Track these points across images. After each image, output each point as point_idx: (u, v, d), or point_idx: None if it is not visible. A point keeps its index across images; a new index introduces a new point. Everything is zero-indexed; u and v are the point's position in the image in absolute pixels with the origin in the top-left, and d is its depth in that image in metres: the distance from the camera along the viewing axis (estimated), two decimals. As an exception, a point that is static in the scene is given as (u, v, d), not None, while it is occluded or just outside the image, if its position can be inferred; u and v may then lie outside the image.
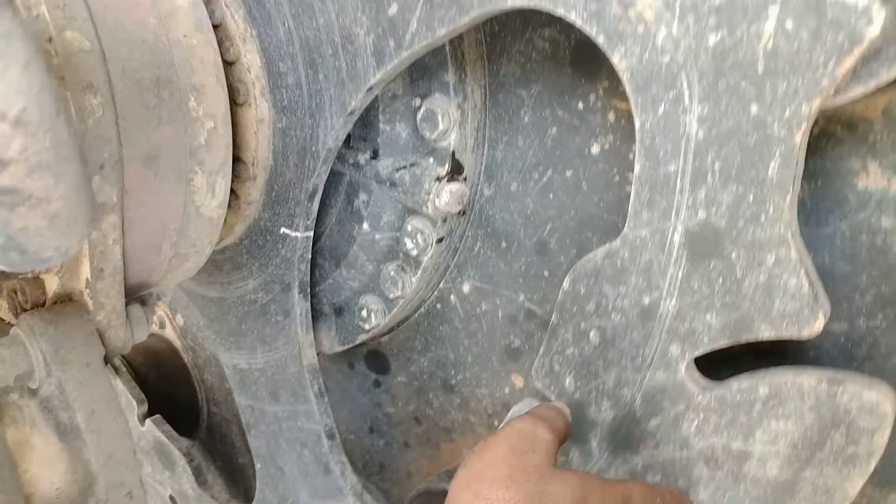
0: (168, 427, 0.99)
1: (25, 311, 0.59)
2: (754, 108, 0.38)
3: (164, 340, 1.16)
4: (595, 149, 0.59)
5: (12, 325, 0.57)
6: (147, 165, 0.54)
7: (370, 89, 0.57)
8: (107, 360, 0.58)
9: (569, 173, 0.61)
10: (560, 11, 0.44)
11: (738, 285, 0.41)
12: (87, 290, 0.56)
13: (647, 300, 0.45)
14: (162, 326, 1.16)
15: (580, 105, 0.59)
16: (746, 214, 0.40)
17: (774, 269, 0.39)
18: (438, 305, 0.72)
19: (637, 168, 0.43)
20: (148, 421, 0.98)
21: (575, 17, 0.43)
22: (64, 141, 0.32)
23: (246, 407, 0.80)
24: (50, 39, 0.48)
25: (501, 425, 0.46)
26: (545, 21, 0.58)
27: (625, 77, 0.42)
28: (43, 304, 0.60)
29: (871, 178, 0.48)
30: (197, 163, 0.58)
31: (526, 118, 0.63)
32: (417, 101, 0.63)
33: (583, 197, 0.60)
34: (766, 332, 0.40)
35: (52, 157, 0.32)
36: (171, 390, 1.11)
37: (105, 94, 0.49)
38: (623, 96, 0.57)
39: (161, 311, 1.15)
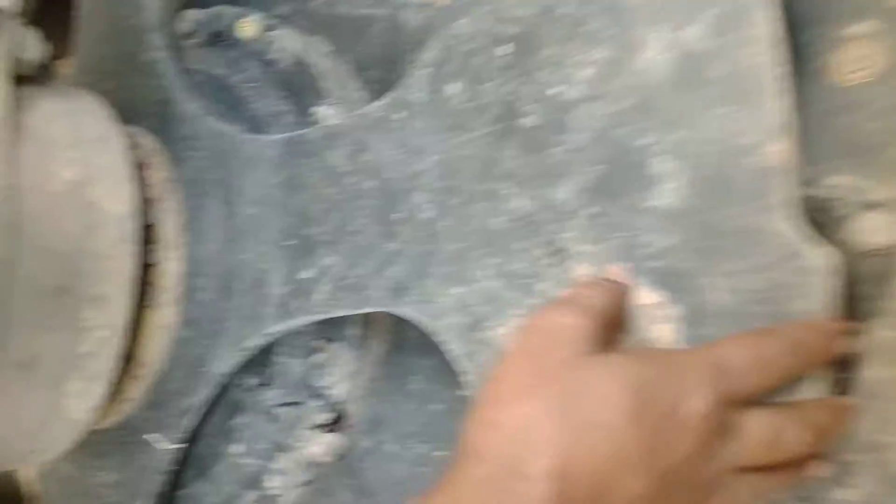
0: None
1: None
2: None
3: (12, 482, 1.07)
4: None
5: None
6: (22, 370, 0.54)
7: (266, 335, 0.59)
8: None
9: (439, 453, 0.62)
10: (439, 340, 0.47)
11: None
12: None
13: None
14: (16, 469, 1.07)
15: (460, 393, 0.61)
16: None
17: None
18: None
19: None
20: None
21: (452, 351, 0.46)
22: None
23: None
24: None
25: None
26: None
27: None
28: None
29: None
30: (76, 369, 0.57)
31: (417, 386, 0.65)
32: (319, 344, 0.65)
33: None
34: None
35: None
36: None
37: (2, 300, 0.50)
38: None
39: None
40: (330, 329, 0.64)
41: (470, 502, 0.29)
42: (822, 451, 0.31)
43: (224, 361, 0.61)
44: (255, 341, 0.59)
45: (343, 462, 0.67)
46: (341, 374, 0.63)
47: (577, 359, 0.30)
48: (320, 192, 0.55)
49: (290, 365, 0.66)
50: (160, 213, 0.65)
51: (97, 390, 0.61)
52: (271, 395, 0.66)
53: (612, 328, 0.34)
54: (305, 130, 0.56)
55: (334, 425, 0.64)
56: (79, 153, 0.58)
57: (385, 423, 0.66)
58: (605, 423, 0.28)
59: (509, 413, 0.30)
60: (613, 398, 0.28)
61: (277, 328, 0.57)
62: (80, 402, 0.60)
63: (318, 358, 0.64)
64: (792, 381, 0.31)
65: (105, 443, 0.70)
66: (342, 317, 0.64)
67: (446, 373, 0.63)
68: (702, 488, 0.29)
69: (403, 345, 0.65)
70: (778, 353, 0.29)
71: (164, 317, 0.65)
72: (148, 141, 0.69)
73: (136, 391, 0.66)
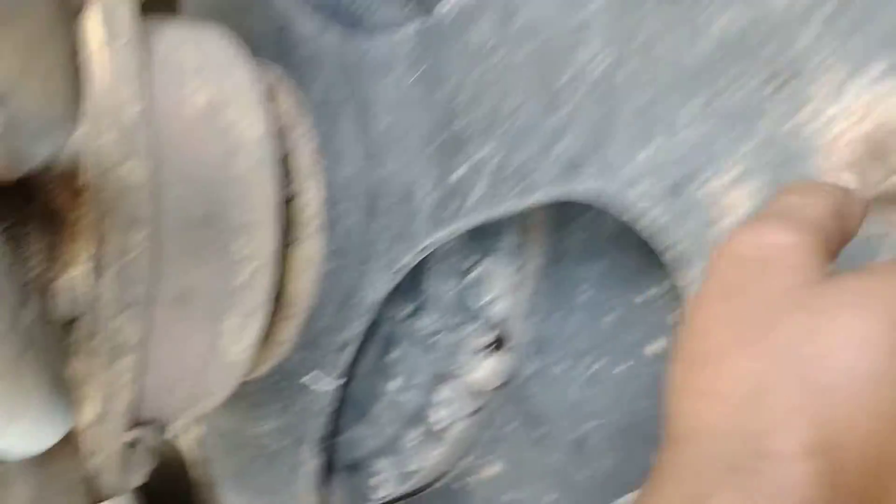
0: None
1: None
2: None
3: (175, 450, 1.10)
4: (652, 349, 0.53)
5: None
6: (178, 305, 0.51)
7: (422, 250, 0.54)
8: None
9: (620, 369, 0.55)
10: (627, 216, 0.40)
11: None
12: (85, 431, 0.52)
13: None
14: (176, 436, 1.10)
15: (639, 298, 0.54)
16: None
17: None
18: (457, 484, 0.65)
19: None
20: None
21: (644, 225, 0.39)
22: None
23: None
24: (106, 169, 0.47)
25: None
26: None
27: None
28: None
29: None
30: (232, 304, 0.55)
31: (584, 297, 0.58)
32: (470, 262, 0.60)
33: (633, 398, 0.54)
34: None
35: None
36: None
37: (149, 230, 0.48)
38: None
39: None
40: (482, 242, 0.59)
41: (705, 497, 0.21)
42: None
43: (376, 288, 0.57)
44: (408, 260, 0.55)
45: (509, 388, 0.62)
46: (499, 291, 0.58)
47: (805, 290, 0.22)
48: (465, 79, 0.49)
49: (442, 287, 0.61)
50: (293, 142, 0.62)
51: (253, 326, 0.58)
52: (425, 323, 0.62)
53: (839, 244, 0.25)
54: (439, 12, 0.51)
55: (497, 347, 0.59)
56: (208, 78, 0.56)
57: (552, 342, 0.60)
58: (866, 373, 0.20)
59: (729, 375, 0.22)
60: (869, 337, 0.20)
61: (432, 241, 0.52)
62: (238, 342, 0.57)
63: (473, 275, 0.59)
64: None
65: (262, 391, 0.68)
66: (495, 227, 0.59)
67: (619, 277, 0.57)
68: None
69: (566, 251, 0.59)
70: None
71: (310, 250, 0.62)
72: (271, 70, 0.66)
73: (289, 332, 0.64)
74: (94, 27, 0.51)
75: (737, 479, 0.20)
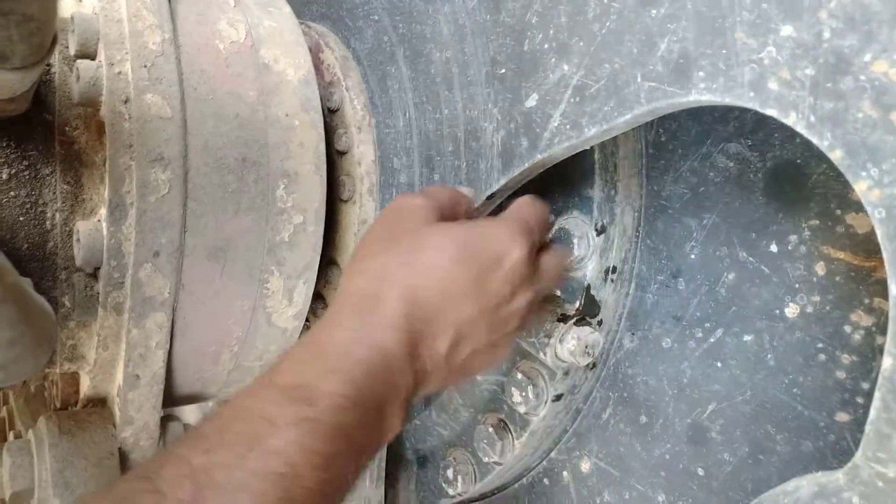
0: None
1: (55, 407, 0.51)
2: None
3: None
4: (791, 310, 0.42)
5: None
6: (213, 259, 0.45)
7: (491, 196, 0.45)
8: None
9: (748, 338, 0.44)
10: (772, 112, 0.29)
11: None
12: (118, 399, 0.46)
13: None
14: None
15: (773, 247, 0.43)
16: None
17: None
18: (546, 481, 0.56)
19: (888, 364, 0.26)
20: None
21: (796, 121, 0.29)
22: None
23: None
24: (126, 101, 0.41)
25: None
26: (732, 133, 0.44)
27: (876, 214, 0.27)
28: (76, 403, 0.51)
29: None
30: (275, 262, 0.48)
31: (693, 256, 0.47)
32: (550, 218, 0.50)
33: (767, 374, 0.43)
34: None
35: None
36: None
37: (177, 169, 0.42)
38: (842, 241, 0.41)
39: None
40: (564, 196, 0.50)
41: (346, 323, 0.38)
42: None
43: (440, 247, 0.49)
44: (476, 207, 0.46)
45: (604, 368, 0.52)
46: (585, 250, 0.48)
47: (421, 226, 0.41)
48: (539, -16, 0.40)
49: (519, 248, 0.52)
50: (342, 96, 0.55)
51: (301, 290, 0.51)
52: (501, 290, 0.53)
53: (452, 215, 0.43)
54: None
55: (584, 318, 0.49)
56: (242, 14, 0.49)
57: (653, 313, 0.49)
58: (438, 266, 0.39)
59: (370, 263, 0.40)
60: (444, 250, 0.39)
61: (504, 183, 0.44)
62: (285, 306, 0.51)
63: (554, 233, 0.49)
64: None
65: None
66: (579, 177, 0.49)
67: (738, 227, 0.45)
68: (514, 316, 0.41)
69: (664, 207, 0.48)
70: (545, 212, 0.43)
71: (365, 210, 0.54)
72: (318, 25, 0.59)
73: (345, 303, 0.57)
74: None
75: (364, 314, 0.38)
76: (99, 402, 0.49)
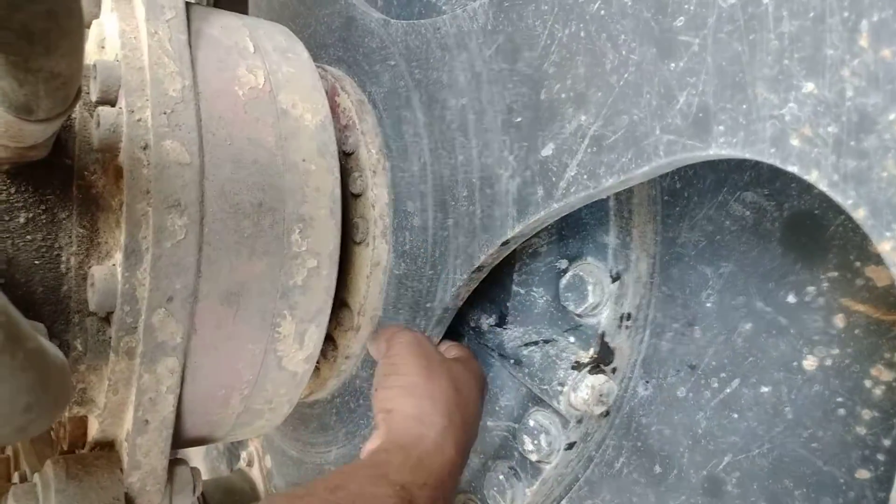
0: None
1: (62, 450, 0.50)
2: None
3: (247, 480, 1.05)
4: (810, 362, 0.41)
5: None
6: (226, 303, 0.45)
7: (506, 243, 0.45)
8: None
9: (766, 389, 0.43)
10: (794, 168, 0.29)
11: None
12: (126, 444, 0.46)
13: None
14: (250, 464, 1.05)
15: (791, 298, 0.43)
16: None
17: None
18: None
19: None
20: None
21: (818, 179, 0.29)
22: None
23: None
24: (145, 147, 0.41)
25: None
26: (749, 182, 0.44)
27: (901, 274, 0.26)
28: (83, 446, 0.50)
29: None
30: (288, 306, 0.48)
31: (708, 304, 0.47)
32: (564, 264, 0.50)
33: (785, 428, 0.42)
34: None
35: None
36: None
37: (193, 215, 0.42)
38: (861, 294, 0.40)
39: (252, 446, 1.05)
40: (579, 242, 0.49)
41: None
42: None
43: (452, 290, 0.49)
44: (490, 256, 0.46)
45: (618, 416, 0.51)
46: (600, 297, 0.48)
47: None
48: (554, 40, 0.40)
49: (532, 294, 0.51)
50: (357, 139, 0.55)
51: (313, 333, 0.51)
52: (514, 335, 0.52)
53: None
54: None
55: (599, 364, 0.49)
56: (262, 61, 0.50)
57: (669, 362, 0.48)
58: (418, 393, 0.48)
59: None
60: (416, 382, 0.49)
61: (519, 231, 0.44)
62: (296, 351, 0.50)
63: (568, 278, 0.49)
64: None
65: (330, 413, 0.61)
66: (594, 224, 0.49)
67: (755, 276, 0.45)
68: None
69: (682, 250, 0.48)
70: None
71: (377, 253, 0.54)
72: (334, 69, 0.60)
73: (357, 344, 0.56)
74: (135, 4, 0.46)
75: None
76: (107, 446, 0.48)
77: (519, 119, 0.44)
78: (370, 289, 0.55)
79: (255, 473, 1.05)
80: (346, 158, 0.56)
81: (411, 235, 0.53)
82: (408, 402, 0.46)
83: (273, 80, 0.50)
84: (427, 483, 0.42)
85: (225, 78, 0.48)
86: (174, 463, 0.50)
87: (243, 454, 1.06)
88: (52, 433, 0.51)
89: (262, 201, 0.46)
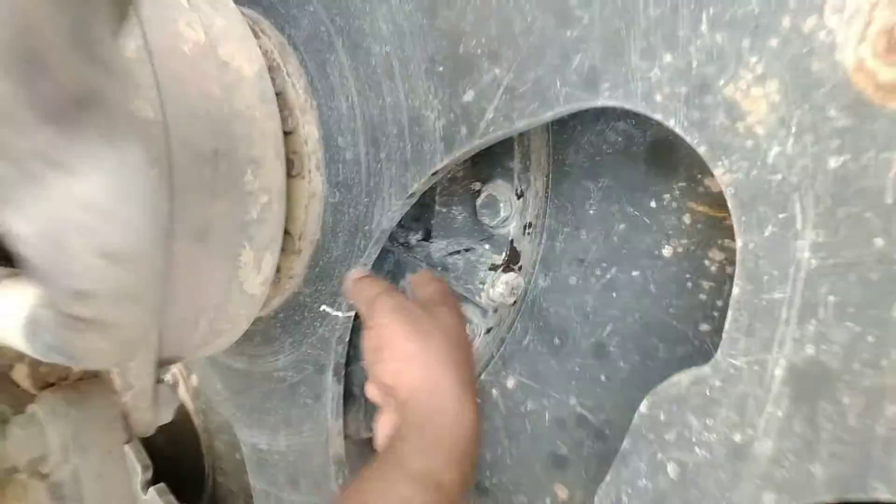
0: (171, 497, 0.93)
1: (49, 384, 0.55)
2: (879, 242, 0.35)
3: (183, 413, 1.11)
4: (667, 251, 0.55)
5: (32, 395, 0.53)
6: (197, 241, 0.51)
7: (435, 173, 0.54)
8: (127, 441, 0.54)
9: (635, 273, 0.57)
10: (657, 116, 0.41)
11: (851, 435, 0.36)
12: (117, 369, 0.52)
13: (738, 438, 0.40)
14: (174, 385, 1.11)
15: (653, 203, 0.56)
16: (864, 356, 0.36)
17: None
18: (478, 399, 0.68)
19: (736, 291, 0.39)
20: (151, 490, 0.93)
21: (674, 125, 0.40)
22: (156, 271, 0.29)
23: (260, 491, 0.74)
24: (112, 107, 0.45)
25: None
26: (621, 114, 0.56)
27: (728, 192, 0.39)
28: (66, 378, 0.55)
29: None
30: (247, 238, 0.55)
31: (591, 211, 0.60)
32: (478, 185, 0.60)
33: (650, 300, 0.57)
34: (882, 493, 0.36)
35: (141, 290, 0.28)
36: (177, 454, 1.06)
37: (163, 166, 0.47)
38: (702, 198, 0.54)
39: (174, 369, 1.10)
40: (489, 168, 0.59)
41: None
42: None
43: (387, 215, 0.58)
44: (420, 185, 0.55)
45: (523, 304, 0.64)
46: (508, 211, 0.59)
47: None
48: (469, 3, 0.48)
49: (452, 212, 0.61)
50: (283, 79, 0.60)
51: (268, 260, 0.58)
52: (439, 247, 0.62)
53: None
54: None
55: (510, 264, 0.61)
56: (197, 15, 0.53)
57: (562, 258, 0.61)
58: (403, 355, 0.49)
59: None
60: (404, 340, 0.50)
61: (446, 162, 0.53)
62: (255, 274, 0.58)
63: (482, 198, 0.59)
64: None
65: (275, 327, 0.69)
66: (501, 152, 0.59)
67: (625, 189, 0.58)
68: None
69: (567, 173, 0.60)
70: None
71: (313, 184, 0.61)
72: (250, 11, 0.63)
73: (299, 266, 0.64)
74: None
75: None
76: (92, 374, 0.54)
77: (441, 69, 0.52)
78: (308, 216, 0.62)
79: (181, 394, 1.11)
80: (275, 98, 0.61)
81: (345, 168, 0.60)
82: (414, 375, 0.46)
83: (210, 34, 0.54)
84: (451, 460, 0.42)
85: (170, 35, 0.51)
86: (158, 379, 0.56)
87: (167, 377, 1.11)
88: (32, 370, 0.56)
89: (216, 149, 0.52)
